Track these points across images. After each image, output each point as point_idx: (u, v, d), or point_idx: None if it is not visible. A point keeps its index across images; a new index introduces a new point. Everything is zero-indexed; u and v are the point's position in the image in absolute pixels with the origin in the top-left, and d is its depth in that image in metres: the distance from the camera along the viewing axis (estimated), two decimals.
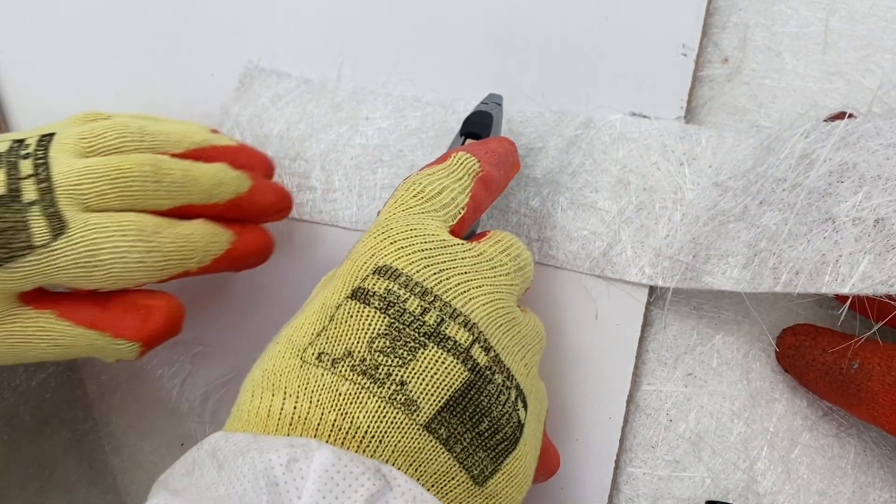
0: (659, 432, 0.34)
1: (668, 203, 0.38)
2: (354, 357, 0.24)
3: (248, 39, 0.46)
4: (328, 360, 0.24)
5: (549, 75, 0.42)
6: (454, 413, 0.24)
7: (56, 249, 0.29)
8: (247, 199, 0.35)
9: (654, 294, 0.37)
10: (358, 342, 0.24)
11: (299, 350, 0.25)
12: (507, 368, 0.27)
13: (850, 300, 0.30)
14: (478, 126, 0.36)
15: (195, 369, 0.38)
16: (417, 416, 0.24)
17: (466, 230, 0.30)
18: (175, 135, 0.35)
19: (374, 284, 0.25)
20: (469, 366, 0.25)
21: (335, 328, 0.25)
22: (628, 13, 0.42)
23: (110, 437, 0.38)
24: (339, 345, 0.24)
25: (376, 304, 0.25)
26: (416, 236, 0.27)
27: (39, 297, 0.31)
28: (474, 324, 0.26)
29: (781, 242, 0.33)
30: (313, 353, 0.24)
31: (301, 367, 0.24)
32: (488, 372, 0.25)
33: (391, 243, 0.27)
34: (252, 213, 0.36)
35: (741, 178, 0.37)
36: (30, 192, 0.29)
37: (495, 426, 0.25)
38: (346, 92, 0.44)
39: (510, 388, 0.26)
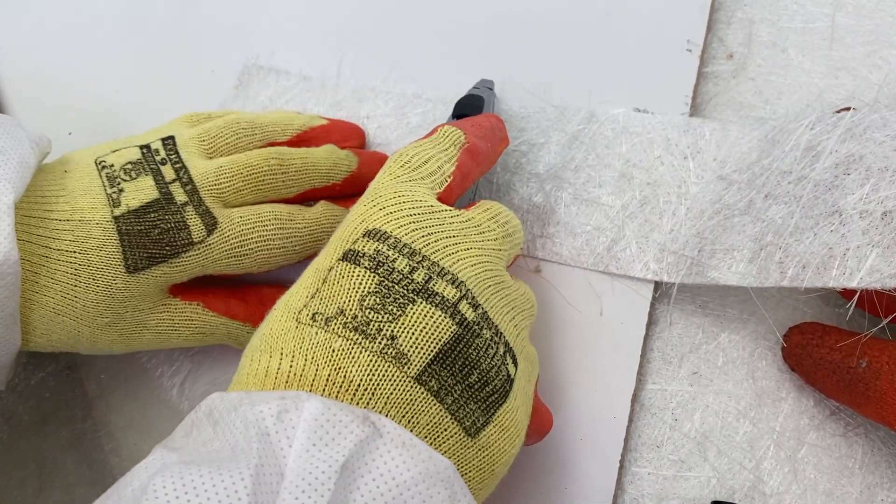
0: (664, 432, 0.34)
1: (673, 197, 0.37)
2: (346, 315, 0.25)
3: (247, 37, 0.46)
4: (322, 319, 0.25)
5: (551, 71, 0.42)
6: (444, 365, 0.25)
7: (211, 244, 0.33)
8: (358, 176, 0.38)
9: (659, 290, 0.36)
10: (349, 300, 0.25)
11: (294, 312, 0.25)
12: (496, 325, 0.27)
13: (857, 296, 0.29)
14: (469, 108, 0.37)
15: (195, 368, 0.38)
16: (408, 368, 0.24)
17: (455, 199, 0.31)
18: (279, 124, 0.38)
19: (363, 246, 0.26)
20: (457, 320, 0.26)
21: (328, 289, 0.26)
22: (631, 8, 0.42)
23: (109, 436, 0.37)
24: (331, 304, 0.25)
25: (366, 263, 0.26)
26: (404, 202, 0.28)
27: (187, 289, 0.34)
28: (462, 282, 0.27)
29: (788, 236, 0.32)
30: (308, 314, 0.25)
31: (296, 327, 0.25)
32: (476, 327, 0.26)
33: (380, 209, 0.28)
34: (364, 187, 0.38)
35: (746, 171, 0.36)
36: (179, 194, 0.33)
37: (485, 378, 0.26)
38: (347, 90, 0.43)
39: (498, 343, 0.27)
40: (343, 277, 0.26)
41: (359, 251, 0.26)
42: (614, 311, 0.36)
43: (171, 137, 0.35)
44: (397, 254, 0.26)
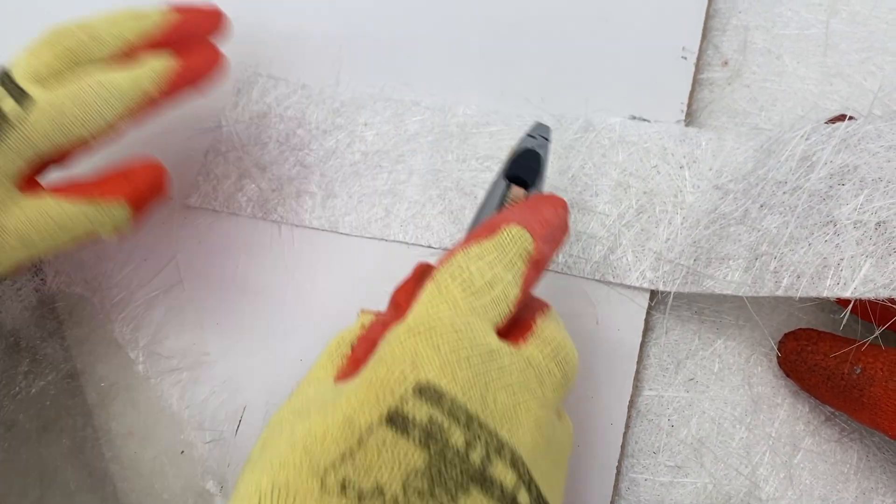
0: (661, 438, 0.34)
1: (669, 206, 0.38)
2: (385, 496, 0.21)
3: (245, 45, 0.46)
4: (353, 493, 0.21)
5: (547, 79, 0.42)
6: None
7: (30, 119, 0.32)
8: (183, 23, 0.37)
9: (656, 298, 0.37)
10: (391, 478, 0.21)
11: (318, 470, 0.21)
12: (546, 502, 0.24)
13: (851, 304, 0.30)
14: (525, 170, 0.32)
15: (195, 376, 0.38)
16: None
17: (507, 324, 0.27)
18: (124, 29, 0.37)
19: (414, 409, 0.22)
20: None
21: (365, 456, 0.22)
22: (627, 16, 0.42)
23: (110, 444, 0.38)
24: (368, 477, 0.21)
25: (416, 435, 0.22)
26: (463, 345, 0.24)
27: (35, 185, 0.34)
28: (521, 459, 0.23)
29: (783, 246, 0.33)
30: (336, 480, 0.21)
31: (320, 493, 0.21)
32: None
33: (435, 350, 0.23)
34: (190, 33, 0.38)
35: (742, 180, 0.36)
36: None
37: None
38: (345, 97, 0.43)
39: None
40: (386, 447, 0.22)
41: (408, 417, 0.22)
42: (611, 318, 0.36)
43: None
44: (452, 422, 0.22)
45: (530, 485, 0.23)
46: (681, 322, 0.36)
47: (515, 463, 0.23)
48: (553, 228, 0.28)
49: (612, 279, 0.37)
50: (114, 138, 0.37)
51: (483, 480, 0.22)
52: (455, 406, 0.22)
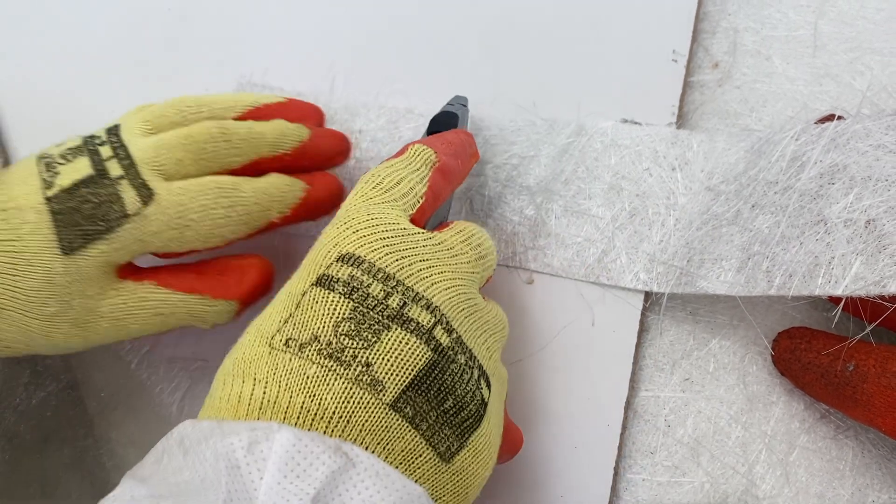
0: (657, 438, 0.34)
1: (661, 208, 0.38)
2: (321, 341, 0.25)
3: (240, 54, 0.46)
4: (295, 345, 0.25)
5: (539, 83, 0.42)
6: (419, 392, 0.25)
7: (148, 215, 0.31)
8: (310, 146, 0.37)
9: (650, 300, 0.37)
10: (324, 326, 0.25)
11: (267, 337, 0.25)
12: (470, 350, 0.27)
13: (843, 302, 0.30)
14: (443, 125, 0.37)
15: (194, 385, 0.38)
16: (383, 395, 0.24)
17: (428, 219, 0.31)
18: (228, 101, 0.37)
19: (337, 271, 0.26)
20: (432, 346, 0.26)
21: (301, 314, 0.26)
22: (617, 20, 0.42)
23: (111, 453, 0.38)
24: (305, 330, 0.25)
25: (340, 289, 0.26)
26: (377, 225, 0.28)
27: (137, 270, 0.33)
28: (436, 307, 0.27)
29: (774, 245, 0.33)
30: (281, 340, 0.25)
31: (270, 353, 0.25)
32: (451, 352, 0.26)
33: (353, 232, 0.28)
34: (317, 160, 0.38)
35: (733, 181, 0.37)
36: (115, 169, 0.32)
37: (459, 404, 0.26)
38: (339, 105, 0.44)
39: (473, 367, 0.27)
40: (317, 303, 0.26)
41: (333, 276, 0.26)
42: (606, 320, 0.36)
43: (117, 125, 0.34)
44: (371, 279, 0.26)
45: (449, 328, 0.27)
46: (676, 322, 0.36)
47: (430, 308, 0.27)
48: (455, 146, 0.33)
49: (606, 281, 0.37)
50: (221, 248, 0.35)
51: (401, 319, 0.26)
52: (373, 267, 0.27)
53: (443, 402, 0.26)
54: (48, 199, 0.31)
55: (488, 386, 0.28)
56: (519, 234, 0.39)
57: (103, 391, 0.39)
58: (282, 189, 0.35)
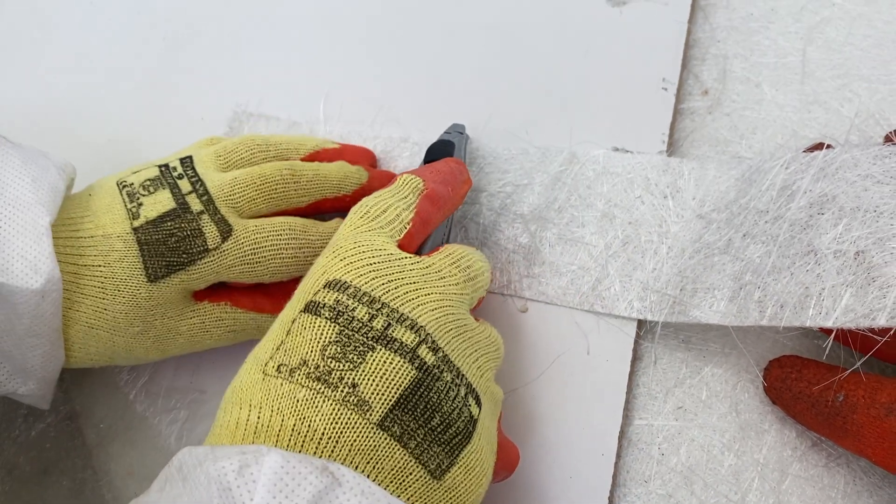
0: (651, 466, 0.34)
1: (654, 236, 0.38)
2: (309, 365, 0.26)
3: (235, 83, 0.46)
4: (286, 370, 0.26)
5: (532, 112, 0.42)
6: (406, 410, 0.26)
7: (226, 250, 0.34)
8: (368, 189, 0.39)
9: (644, 327, 0.37)
10: (311, 351, 0.26)
11: (261, 364, 0.26)
12: (457, 368, 0.28)
13: (834, 332, 0.30)
14: (438, 154, 0.38)
15: (192, 415, 0.38)
16: (370, 415, 0.25)
17: (418, 244, 0.32)
18: (293, 142, 0.40)
19: (324, 297, 0.27)
20: (416, 365, 0.26)
21: (291, 340, 0.27)
22: (607, 48, 0.42)
23: (110, 485, 0.38)
24: (295, 355, 0.26)
25: (327, 314, 0.27)
26: (363, 252, 0.29)
27: (213, 292, 0.36)
28: (421, 327, 0.27)
29: (766, 275, 0.33)
30: (273, 366, 0.26)
31: (263, 379, 0.26)
32: (436, 370, 0.27)
33: (340, 259, 0.29)
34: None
35: (724, 210, 0.37)
36: (195, 204, 0.34)
37: (447, 421, 0.27)
38: (335, 134, 0.44)
39: (460, 385, 0.28)
40: (305, 328, 0.27)
41: (319, 302, 0.27)
42: (601, 349, 0.36)
43: (189, 157, 0.37)
44: (357, 302, 0.27)
45: (434, 347, 0.27)
46: (669, 350, 0.36)
47: (415, 328, 0.27)
48: (444, 173, 0.34)
49: (600, 309, 0.37)
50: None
51: (385, 339, 0.26)
52: (359, 291, 0.27)
53: (430, 420, 0.26)
54: (135, 230, 0.33)
55: (478, 403, 0.28)
56: (514, 263, 0.40)
57: (102, 422, 0.39)
58: None
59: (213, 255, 0.34)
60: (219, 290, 0.36)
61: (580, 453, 0.34)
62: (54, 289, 0.31)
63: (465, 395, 0.28)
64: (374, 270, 0.28)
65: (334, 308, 0.27)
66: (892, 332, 0.28)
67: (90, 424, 0.39)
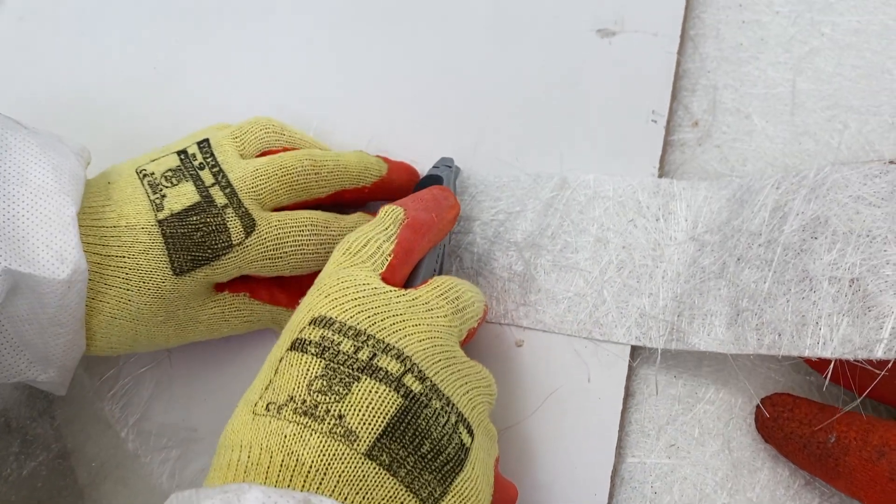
0: None
1: (648, 260, 0.38)
2: (296, 401, 0.26)
3: (225, 110, 0.46)
4: (274, 408, 0.26)
5: (522, 139, 0.42)
6: (394, 438, 0.25)
7: (249, 246, 0.34)
8: (387, 180, 0.39)
9: (638, 358, 0.37)
10: (298, 386, 0.26)
11: (251, 405, 0.26)
12: (447, 397, 0.28)
13: (831, 369, 0.30)
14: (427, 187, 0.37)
15: (184, 454, 0.38)
16: (358, 445, 0.25)
17: (403, 275, 0.32)
18: (305, 135, 0.40)
19: (310, 334, 0.27)
20: (402, 392, 0.26)
21: (279, 379, 0.27)
22: (597, 79, 0.42)
23: None
24: (282, 393, 0.26)
25: (313, 350, 0.27)
26: (346, 287, 0.29)
27: (232, 283, 0.36)
28: (407, 356, 0.27)
29: (762, 302, 0.32)
30: (262, 405, 0.26)
31: (253, 419, 0.26)
32: (423, 398, 0.27)
33: (324, 296, 0.29)
34: (390, 192, 0.40)
35: (717, 231, 0.37)
36: (219, 197, 0.34)
37: (437, 447, 0.26)
38: None
39: (449, 412, 0.27)
40: (291, 366, 0.27)
41: (305, 339, 0.27)
42: (598, 380, 0.36)
43: (206, 140, 0.37)
44: (342, 337, 0.27)
45: (421, 376, 0.27)
46: (661, 387, 0.36)
47: (401, 357, 0.27)
48: (426, 201, 0.34)
49: (598, 336, 0.37)
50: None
51: (371, 369, 0.26)
52: (344, 326, 0.27)
53: (419, 447, 0.26)
54: (160, 222, 0.33)
55: (470, 433, 0.28)
56: (509, 291, 0.39)
57: (94, 461, 0.38)
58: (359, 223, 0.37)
59: (237, 251, 0.34)
60: (238, 281, 0.36)
61: (573, 492, 0.34)
62: (80, 279, 0.31)
63: (456, 422, 0.27)
64: (358, 304, 0.28)
65: (320, 344, 0.27)
66: (890, 365, 0.28)
67: (82, 463, 0.38)
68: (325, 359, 0.26)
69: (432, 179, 0.38)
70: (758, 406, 0.33)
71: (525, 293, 0.39)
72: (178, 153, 0.36)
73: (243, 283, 0.36)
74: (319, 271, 0.37)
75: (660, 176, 0.40)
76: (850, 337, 0.29)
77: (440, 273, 0.37)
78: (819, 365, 0.32)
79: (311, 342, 0.27)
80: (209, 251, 0.33)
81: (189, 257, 0.33)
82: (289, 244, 0.35)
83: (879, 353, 0.28)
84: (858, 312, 0.29)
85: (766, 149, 0.40)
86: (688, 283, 0.36)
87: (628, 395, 0.36)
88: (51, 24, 0.51)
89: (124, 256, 0.33)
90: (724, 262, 0.35)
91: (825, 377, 0.30)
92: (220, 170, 0.35)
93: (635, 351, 0.37)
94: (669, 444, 0.35)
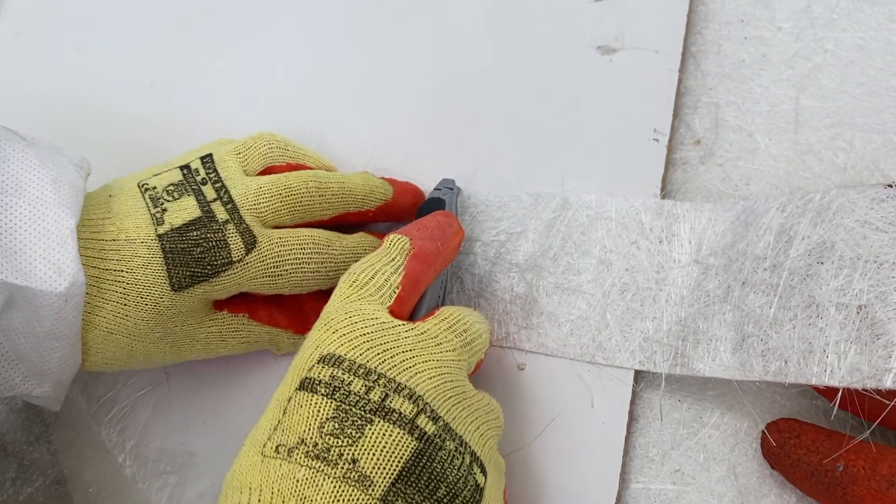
0: None
1: (652, 283, 0.37)
2: (307, 443, 0.25)
3: (223, 127, 0.45)
4: (284, 450, 0.25)
5: (523, 158, 0.41)
6: (409, 483, 0.25)
7: (249, 263, 0.33)
8: (392, 204, 0.39)
9: (643, 382, 0.36)
10: (309, 429, 0.25)
11: (259, 446, 0.26)
12: (460, 436, 0.27)
13: (839, 396, 0.29)
14: (430, 212, 0.36)
15: (182, 480, 0.37)
16: (373, 490, 0.24)
17: (410, 307, 0.31)
18: (309, 151, 0.40)
19: (319, 373, 0.27)
20: (416, 435, 0.26)
21: (288, 420, 0.26)
22: (597, 97, 0.42)
23: None
24: (292, 435, 0.25)
25: (322, 390, 0.26)
26: (355, 322, 0.28)
27: (231, 302, 0.35)
28: (419, 396, 0.27)
29: (768, 327, 0.32)
30: (272, 447, 0.25)
31: (262, 461, 0.25)
32: (437, 440, 0.26)
33: (332, 332, 0.28)
34: (396, 215, 0.40)
35: (722, 255, 0.36)
36: (221, 212, 0.34)
37: (453, 491, 0.26)
38: None
39: (464, 453, 0.27)
40: (301, 407, 0.26)
41: (314, 378, 0.27)
42: (601, 405, 0.35)
43: (209, 155, 0.36)
44: (352, 376, 0.26)
45: (434, 416, 0.27)
46: (665, 411, 0.36)
47: (413, 397, 0.26)
48: (431, 229, 0.34)
49: (601, 361, 0.36)
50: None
51: (383, 411, 0.26)
52: (354, 364, 0.27)
53: (435, 491, 0.25)
54: (160, 237, 0.33)
55: (483, 472, 0.27)
56: (511, 314, 0.39)
57: (91, 486, 0.37)
58: (368, 248, 0.37)
59: (237, 268, 0.33)
60: (237, 300, 0.35)
61: None
62: (78, 292, 0.30)
63: (470, 463, 0.27)
64: (367, 341, 0.28)
65: (330, 384, 0.26)
66: None
67: (79, 488, 0.38)
68: (335, 399, 0.26)
69: (435, 203, 0.38)
70: (763, 432, 0.32)
71: (527, 316, 0.38)
72: (181, 168, 0.35)
73: (242, 303, 0.36)
74: (319, 291, 0.37)
75: (662, 195, 0.39)
76: (859, 365, 0.28)
77: (443, 299, 0.37)
78: (827, 391, 0.31)
79: (320, 382, 0.26)
80: (209, 267, 0.33)
81: (188, 273, 0.33)
82: (290, 262, 0.34)
83: (888, 383, 0.27)
84: (867, 340, 0.29)
85: (769, 168, 0.39)
86: (692, 307, 0.36)
87: (632, 419, 0.35)
88: (48, 39, 0.51)
89: (122, 270, 0.32)
90: (729, 285, 0.35)
91: (833, 404, 0.29)
92: (223, 185, 0.35)
93: (639, 375, 0.36)
94: (674, 469, 0.34)
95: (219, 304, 0.35)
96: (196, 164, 0.36)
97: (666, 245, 0.37)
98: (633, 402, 0.35)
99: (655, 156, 0.39)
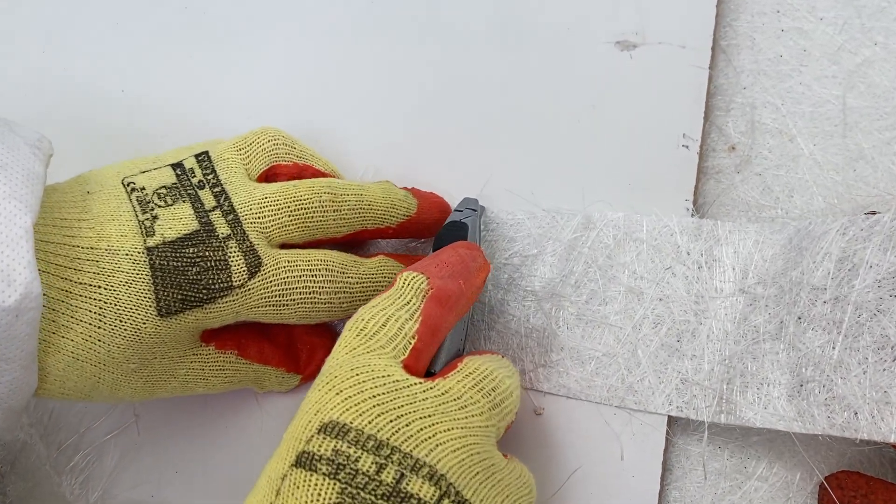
0: None
1: (690, 316, 0.32)
2: None
3: (223, 128, 0.39)
4: None
5: (537, 169, 0.36)
6: None
7: (251, 289, 0.29)
8: (416, 221, 0.33)
9: (676, 426, 0.31)
10: None
11: None
12: None
13: None
14: (450, 240, 0.32)
15: None
16: None
17: (428, 359, 0.26)
18: (315, 153, 0.35)
19: (319, 446, 0.23)
20: None
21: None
22: (618, 99, 0.36)
23: None
24: None
25: (324, 469, 0.22)
26: (363, 382, 0.24)
27: (219, 335, 0.30)
28: (442, 475, 0.23)
29: (831, 371, 0.27)
30: None
31: None
32: None
33: (336, 394, 0.24)
34: (419, 233, 0.35)
35: (772, 284, 0.31)
36: (222, 226, 0.29)
37: None
38: None
39: None
40: (298, 489, 0.22)
41: (314, 453, 0.22)
42: (631, 454, 0.31)
43: (206, 153, 0.31)
44: (360, 451, 0.22)
45: (460, 500, 0.23)
46: (703, 459, 0.31)
47: (434, 478, 0.23)
48: (451, 265, 0.28)
49: (632, 405, 0.32)
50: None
51: (399, 497, 0.22)
52: (362, 436, 0.23)
53: None
54: (149, 250, 0.28)
55: None
56: (527, 349, 0.34)
57: None
58: (388, 277, 0.32)
59: (237, 294, 0.28)
60: (227, 331, 0.31)
61: None
62: (32, 306, 0.25)
63: None
64: (377, 405, 0.23)
65: (333, 460, 0.22)
66: None
67: None
68: (339, 481, 0.22)
69: (455, 230, 0.32)
70: (822, 485, 0.28)
71: (545, 352, 0.33)
72: (174, 167, 0.30)
73: (232, 337, 0.31)
74: (324, 322, 0.32)
75: (695, 209, 0.34)
76: None
77: (465, 345, 0.32)
78: None
79: (321, 457, 0.22)
80: (204, 291, 0.28)
81: (179, 296, 0.28)
82: (298, 290, 0.29)
83: None
84: None
85: (815, 177, 0.34)
86: (738, 345, 0.31)
87: (665, 469, 0.31)
88: (18, 42, 0.44)
89: (100, 286, 0.27)
90: (782, 320, 0.30)
91: None
92: (223, 190, 0.30)
93: (671, 418, 0.31)
94: None
95: (206, 337, 0.30)
96: (191, 163, 0.30)
97: (706, 271, 0.33)
98: (666, 451, 0.31)
99: (685, 164, 0.34)
